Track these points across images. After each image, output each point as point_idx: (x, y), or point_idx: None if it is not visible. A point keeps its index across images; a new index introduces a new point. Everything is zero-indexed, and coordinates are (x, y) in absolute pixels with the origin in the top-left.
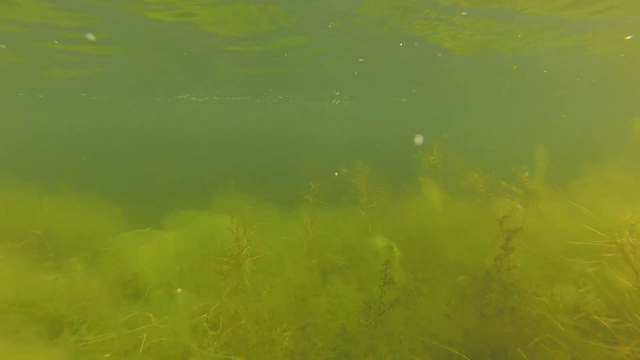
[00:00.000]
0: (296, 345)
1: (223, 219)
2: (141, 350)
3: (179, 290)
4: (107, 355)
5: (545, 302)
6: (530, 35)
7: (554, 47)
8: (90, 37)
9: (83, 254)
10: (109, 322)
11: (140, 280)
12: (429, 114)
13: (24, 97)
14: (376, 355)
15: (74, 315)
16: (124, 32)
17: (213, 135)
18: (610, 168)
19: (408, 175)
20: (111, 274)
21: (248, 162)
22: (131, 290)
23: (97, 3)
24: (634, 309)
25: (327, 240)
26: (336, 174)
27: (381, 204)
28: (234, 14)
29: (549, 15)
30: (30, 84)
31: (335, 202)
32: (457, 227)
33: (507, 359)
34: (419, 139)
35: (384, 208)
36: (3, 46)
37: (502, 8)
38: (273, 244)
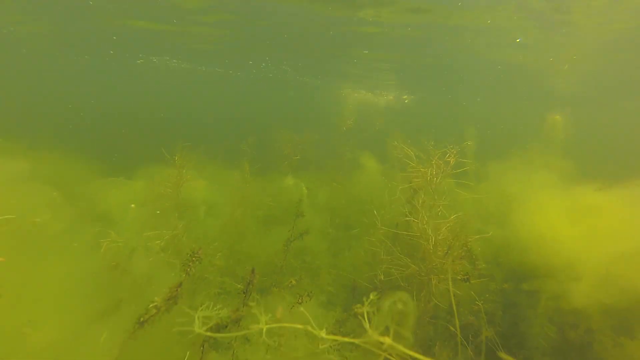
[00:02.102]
0: (226, 263)
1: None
2: (102, 250)
3: (132, 205)
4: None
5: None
6: None
7: None
8: None
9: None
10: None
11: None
12: None
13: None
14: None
15: None
16: None
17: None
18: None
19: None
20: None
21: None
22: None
23: None
24: None
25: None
26: None
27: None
28: None
29: None
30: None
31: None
32: (379, 187)
33: None
34: None
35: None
36: None
37: None
38: (221, 190)
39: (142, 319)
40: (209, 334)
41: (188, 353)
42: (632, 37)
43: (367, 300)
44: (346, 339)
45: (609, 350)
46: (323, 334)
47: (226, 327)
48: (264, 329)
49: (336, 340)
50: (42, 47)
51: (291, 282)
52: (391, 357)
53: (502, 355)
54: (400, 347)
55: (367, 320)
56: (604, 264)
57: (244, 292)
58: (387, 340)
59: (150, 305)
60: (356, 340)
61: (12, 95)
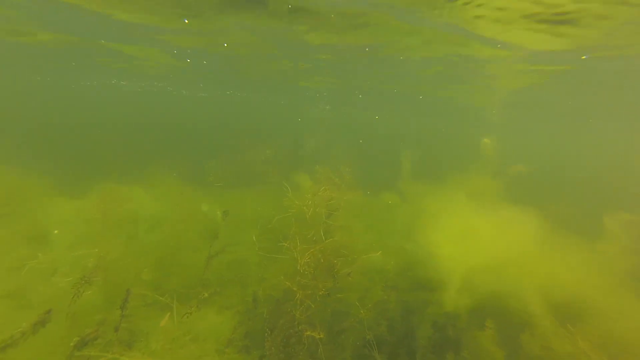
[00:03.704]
0: (153, 276)
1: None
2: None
3: (55, 231)
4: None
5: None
6: None
7: None
8: None
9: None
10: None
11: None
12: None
13: None
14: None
15: None
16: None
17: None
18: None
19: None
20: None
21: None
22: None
23: None
24: None
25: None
26: None
27: None
28: None
29: None
30: None
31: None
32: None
33: None
34: None
35: None
36: None
37: None
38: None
39: (4, 344)
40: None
41: None
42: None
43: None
44: None
45: (469, 344)
46: None
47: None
48: None
49: None
50: None
51: (204, 294)
52: None
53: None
54: None
55: None
56: (469, 274)
57: (120, 308)
58: None
59: (17, 331)
60: None
61: None
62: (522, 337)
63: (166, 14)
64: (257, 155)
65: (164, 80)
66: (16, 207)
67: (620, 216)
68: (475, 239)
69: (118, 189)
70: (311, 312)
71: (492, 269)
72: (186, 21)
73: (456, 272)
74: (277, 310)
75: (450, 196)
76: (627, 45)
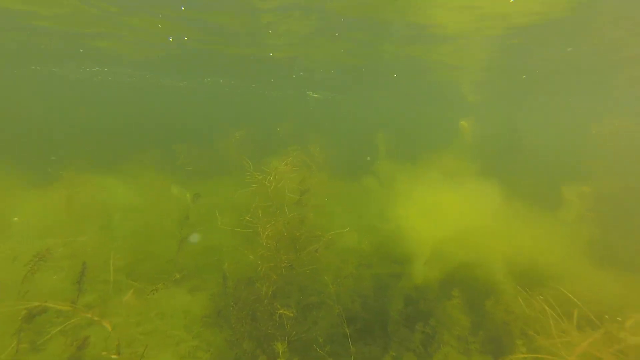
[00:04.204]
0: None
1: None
2: None
3: (15, 219)
4: None
5: None
6: None
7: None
8: None
9: None
10: None
11: None
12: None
13: None
14: None
15: None
16: None
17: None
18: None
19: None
20: None
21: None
22: None
23: None
24: None
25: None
26: None
27: None
28: None
29: None
30: None
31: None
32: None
33: None
34: None
35: None
36: None
37: None
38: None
39: None
40: None
41: None
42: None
43: None
44: None
45: (437, 314)
46: None
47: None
48: None
49: None
50: None
51: (175, 276)
52: None
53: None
54: None
55: None
56: (439, 247)
57: (77, 283)
58: None
59: None
60: None
61: None
62: (487, 304)
63: None
64: (231, 141)
65: (142, 68)
66: None
67: (577, 187)
68: (445, 214)
69: (91, 179)
70: (286, 290)
71: (460, 241)
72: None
73: (426, 246)
74: (246, 288)
75: (423, 174)
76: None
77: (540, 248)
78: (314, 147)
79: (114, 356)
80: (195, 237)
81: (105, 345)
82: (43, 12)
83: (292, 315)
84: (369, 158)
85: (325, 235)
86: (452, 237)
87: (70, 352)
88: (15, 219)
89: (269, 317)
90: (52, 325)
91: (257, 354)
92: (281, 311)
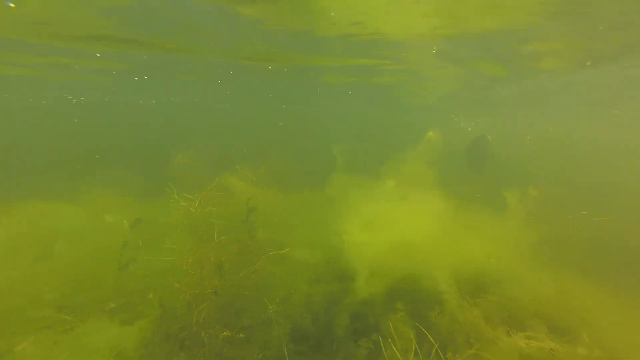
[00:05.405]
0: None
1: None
2: None
3: None
4: None
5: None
6: None
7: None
8: None
9: None
10: None
11: None
12: None
13: None
14: None
15: None
16: None
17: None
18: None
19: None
20: None
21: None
22: None
23: None
24: None
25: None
26: None
27: None
28: None
29: None
30: None
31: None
32: None
33: None
34: None
35: None
36: None
37: None
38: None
39: None
40: None
41: None
42: None
43: None
44: None
45: (382, 328)
46: None
47: None
48: None
49: None
50: None
51: (110, 305)
52: None
53: None
54: None
55: None
56: (382, 259)
57: None
58: None
59: None
60: None
61: None
62: (431, 315)
63: None
64: (181, 160)
65: (97, 90)
66: None
67: (517, 191)
68: (393, 226)
69: (37, 206)
70: (227, 312)
71: (407, 253)
72: None
73: (372, 259)
74: (175, 315)
75: (377, 186)
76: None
77: (487, 254)
78: (266, 162)
79: None
80: (133, 265)
81: None
82: None
83: (233, 335)
84: (322, 168)
85: (263, 255)
86: (398, 249)
87: None
88: None
89: (206, 343)
90: None
91: None
92: (224, 333)
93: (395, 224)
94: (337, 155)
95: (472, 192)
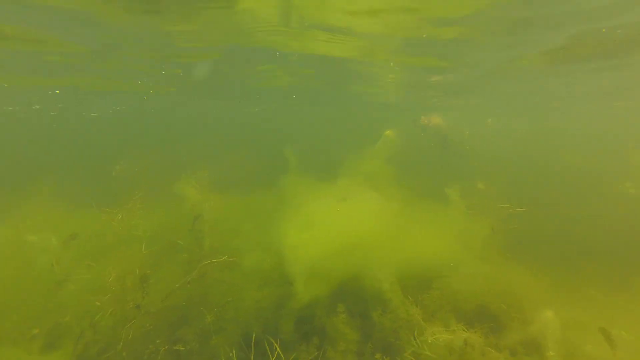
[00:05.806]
0: None
1: None
2: None
3: None
4: None
5: None
6: None
7: None
8: None
9: None
10: None
11: None
12: None
13: None
14: None
15: None
16: None
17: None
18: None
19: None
20: None
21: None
22: None
23: None
24: None
25: None
26: None
27: None
28: None
29: None
30: None
31: None
32: None
33: None
34: None
35: None
36: None
37: None
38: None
39: None
40: None
41: None
42: None
43: None
44: None
45: (326, 331)
46: None
47: None
48: None
49: None
50: None
51: (35, 331)
52: None
53: None
54: None
55: None
56: (324, 261)
57: None
58: None
59: None
60: None
61: None
62: (374, 315)
63: None
64: (120, 170)
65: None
66: None
67: (457, 185)
68: (338, 226)
69: None
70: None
71: (350, 253)
72: None
73: (315, 262)
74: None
75: (328, 188)
76: None
77: (432, 249)
78: (214, 167)
79: None
80: (67, 285)
81: None
82: None
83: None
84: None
85: (200, 263)
86: (342, 250)
87: None
88: None
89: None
90: None
91: None
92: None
93: (344, 224)
94: (290, 156)
95: (424, 188)
